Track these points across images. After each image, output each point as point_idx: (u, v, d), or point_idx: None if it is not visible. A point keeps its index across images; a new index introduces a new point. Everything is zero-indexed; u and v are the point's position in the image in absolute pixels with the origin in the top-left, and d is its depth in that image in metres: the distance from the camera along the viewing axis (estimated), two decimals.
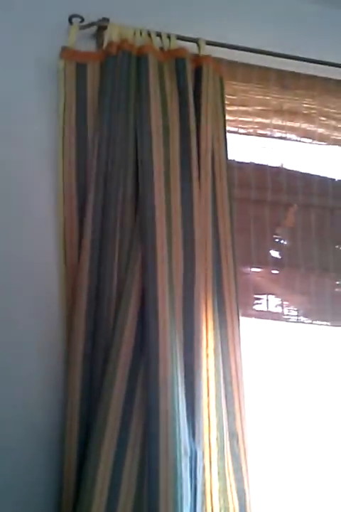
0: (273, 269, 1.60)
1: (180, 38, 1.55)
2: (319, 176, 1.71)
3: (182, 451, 1.20)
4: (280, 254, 1.62)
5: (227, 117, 1.57)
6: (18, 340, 1.35)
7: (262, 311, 1.58)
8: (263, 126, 1.69)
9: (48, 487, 1.30)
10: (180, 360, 1.27)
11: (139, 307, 1.29)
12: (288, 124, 1.72)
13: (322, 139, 1.75)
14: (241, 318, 1.42)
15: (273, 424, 1.57)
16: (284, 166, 1.68)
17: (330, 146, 1.76)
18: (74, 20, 1.48)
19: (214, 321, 1.36)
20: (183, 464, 1.19)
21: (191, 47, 1.54)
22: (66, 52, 1.45)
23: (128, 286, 1.29)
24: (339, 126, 1.77)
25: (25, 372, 1.34)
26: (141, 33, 1.51)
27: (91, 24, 1.49)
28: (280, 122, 1.71)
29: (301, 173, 1.69)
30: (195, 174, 1.41)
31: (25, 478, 1.30)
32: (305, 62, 1.70)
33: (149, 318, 1.25)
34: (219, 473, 1.27)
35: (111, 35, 1.47)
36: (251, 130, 1.67)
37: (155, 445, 1.17)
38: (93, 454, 1.17)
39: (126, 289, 1.29)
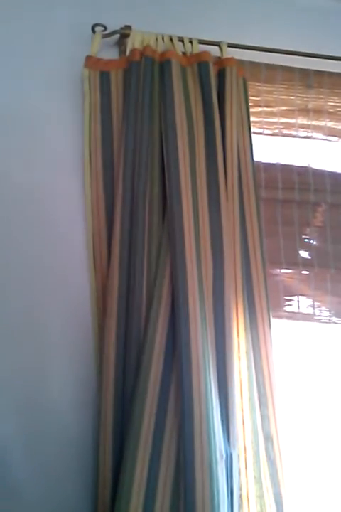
0: (303, 270, 1.58)
1: (202, 41, 1.55)
2: None
3: (218, 455, 1.19)
4: (309, 254, 1.59)
5: (252, 119, 1.57)
6: (50, 347, 1.37)
7: (293, 312, 1.56)
8: (289, 126, 1.68)
9: (82, 494, 1.31)
10: (212, 363, 1.26)
11: (169, 311, 1.29)
12: (314, 123, 1.70)
13: None
14: (272, 319, 1.40)
15: (307, 426, 1.54)
16: (311, 166, 1.66)
17: None
18: (97, 29, 1.50)
19: (245, 323, 1.35)
20: (219, 468, 1.18)
21: (213, 50, 1.54)
22: (90, 61, 1.47)
23: (158, 291, 1.29)
24: None
25: (58, 377, 1.36)
26: (163, 39, 1.52)
27: (113, 32, 1.51)
28: (305, 121, 1.69)
29: (328, 171, 1.67)
30: (221, 176, 1.41)
31: (59, 484, 1.31)
32: (328, 60, 1.68)
33: (180, 322, 1.24)
34: (255, 477, 1.26)
35: (134, 42, 1.48)
36: (276, 130, 1.66)
37: (191, 449, 1.16)
38: (128, 460, 1.17)
39: (156, 294, 1.29)
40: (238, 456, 1.25)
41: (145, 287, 1.30)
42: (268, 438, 1.31)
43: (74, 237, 1.43)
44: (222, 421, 1.25)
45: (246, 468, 1.26)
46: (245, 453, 1.27)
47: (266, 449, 1.30)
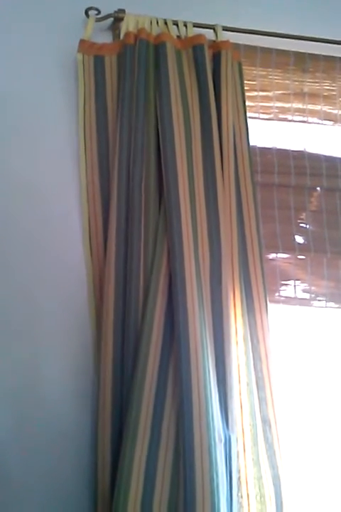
0: (300, 255, 1.58)
1: (196, 25, 1.54)
2: None
3: (217, 439, 1.19)
4: (305, 239, 1.59)
5: (247, 103, 1.56)
6: (47, 338, 1.37)
7: (289, 297, 1.56)
8: (284, 110, 1.67)
9: (81, 484, 1.31)
10: (210, 348, 1.26)
11: (167, 298, 1.29)
12: (309, 107, 1.70)
13: None
14: (268, 304, 1.40)
15: (304, 410, 1.55)
16: (306, 150, 1.66)
17: None
18: (90, 12, 1.48)
19: (242, 308, 1.35)
20: (218, 451, 1.19)
21: (208, 34, 1.53)
22: (83, 45, 1.45)
23: (155, 278, 1.29)
24: None
25: (55, 367, 1.36)
26: (157, 22, 1.51)
27: (107, 16, 1.49)
28: (300, 105, 1.69)
29: (324, 155, 1.67)
30: (217, 161, 1.40)
31: (57, 476, 1.31)
32: (323, 44, 1.67)
33: (178, 308, 1.24)
34: (253, 459, 1.27)
35: (128, 25, 1.47)
36: (271, 115, 1.66)
37: (190, 433, 1.16)
38: (128, 445, 1.17)
39: (153, 280, 1.28)
40: (236, 439, 1.26)
41: (143, 274, 1.30)
42: (265, 421, 1.32)
43: (70, 224, 1.42)
44: (221, 405, 1.25)
45: (244, 451, 1.27)
46: (243, 436, 1.28)
47: (264, 432, 1.31)
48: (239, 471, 1.26)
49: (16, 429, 1.31)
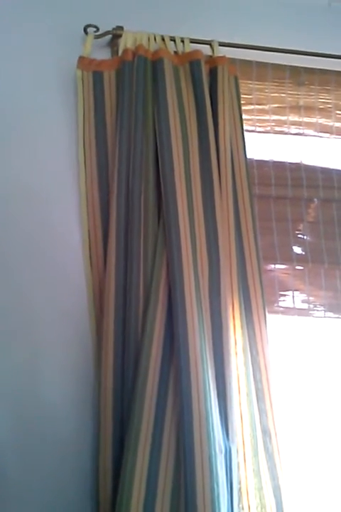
0: (298, 265, 1.60)
1: (193, 41, 1.56)
2: (338, 170, 1.70)
3: (217, 450, 1.20)
4: (303, 250, 1.61)
5: (244, 116, 1.58)
6: (47, 347, 1.37)
7: (288, 307, 1.57)
8: (280, 123, 1.69)
9: (82, 491, 1.31)
10: (209, 360, 1.27)
11: (167, 309, 1.30)
12: (305, 119, 1.72)
13: (339, 132, 1.74)
14: (267, 315, 1.41)
15: (304, 420, 1.55)
16: (303, 162, 1.68)
17: None
18: (89, 30, 1.50)
19: (241, 319, 1.36)
20: (219, 462, 1.19)
21: (205, 49, 1.55)
22: (82, 62, 1.47)
23: (154, 290, 1.30)
24: None
25: (55, 377, 1.36)
26: (155, 39, 1.53)
27: (106, 33, 1.51)
28: (297, 118, 1.71)
29: (320, 167, 1.69)
30: (215, 175, 1.42)
31: (58, 483, 1.31)
32: (318, 58, 1.69)
33: (177, 319, 1.25)
34: (254, 470, 1.27)
35: (126, 42, 1.49)
36: (268, 128, 1.68)
37: (190, 444, 1.17)
38: (129, 454, 1.18)
39: (152, 292, 1.29)
40: (237, 450, 1.26)
41: (142, 286, 1.31)
42: (266, 432, 1.32)
43: (70, 237, 1.43)
44: (221, 416, 1.26)
45: (245, 461, 1.27)
46: (244, 447, 1.28)
47: (264, 442, 1.32)
48: (239, 482, 1.26)
49: (16, 436, 1.31)
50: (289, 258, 1.59)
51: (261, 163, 1.64)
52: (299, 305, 1.58)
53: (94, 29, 1.51)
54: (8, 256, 1.39)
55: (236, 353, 1.33)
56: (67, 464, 1.32)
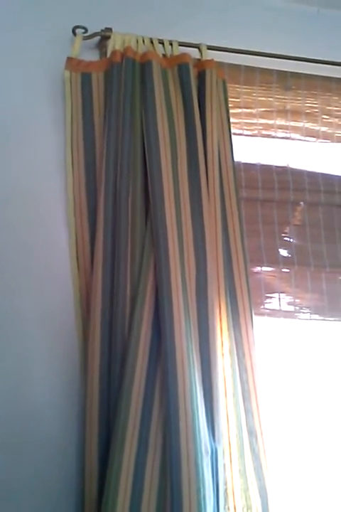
0: (284, 268, 1.61)
1: (182, 44, 1.57)
2: (324, 174, 1.72)
3: (203, 451, 1.20)
4: (289, 252, 1.62)
5: (232, 120, 1.58)
6: (33, 350, 1.37)
7: (274, 309, 1.58)
8: (268, 127, 1.71)
9: (67, 489, 1.31)
10: (196, 361, 1.27)
11: (154, 311, 1.30)
12: (292, 123, 1.74)
13: (325, 137, 1.77)
14: (254, 317, 1.42)
15: (289, 421, 1.56)
16: (290, 165, 1.69)
17: (334, 143, 1.77)
18: (77, 31, 1.50)
19: (228, 321, 1.36)
20: (205, 463, 1.19)
21: (193, 52, 1.56)
22: (71, 63, 1.47)
23: (141, 292, 1.30)
24: None
25: (40, 379, 1.36)
26: (143, 41, 1.54)
27: (94, 34, 1.51)
28: (283, 122, 1.73)
29: (307, 171, 1.71)
30: (202, 177, 1.42)
31: (42, 480, 1.31)
32: (305, 63, 1.71)
33: (164, 321, 1.25)
34: (240, 471, 1.27)
35: (115, 43, 1.50)
36: (255, 131, 1.69)
37: (177, 446, 1.17)
38: (115, 454, 1.17)
39: (139, 294, 1.29)
40: (223, 451, 1.27)
41: (129, 288, 1.31)
42: (252, 433, 1.33)
43: (57, 237, 1.43)
44: (207, 417, 1.26)
45: (231, 462, 1.27)
46: (230, 448, 1.28)
47: (251, 443, 1.32)
48: (225, 483, 1.26)
49: (1, 436, 1.30)
50: (275, 261, 1.60)
51: (249, 167, 1.65)
52: (285, 307, 1.59)
53: (83, 30, 1.51)
54: None
55: (223, 355, 1.34)
56: (52, 464, 1.31)
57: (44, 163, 1.47)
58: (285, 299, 1.60)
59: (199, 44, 1.58)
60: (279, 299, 1.59)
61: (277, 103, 1.73)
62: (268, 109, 1.71)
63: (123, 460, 1.17)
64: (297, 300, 1.61)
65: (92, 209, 1.40)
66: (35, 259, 1.41)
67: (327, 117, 1.77)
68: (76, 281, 1.39)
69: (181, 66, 1.50)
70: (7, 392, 1.32)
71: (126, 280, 1.31)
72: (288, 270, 1.62)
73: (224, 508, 1.24)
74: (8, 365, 1.34)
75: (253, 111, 1.70)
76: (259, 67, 1.71)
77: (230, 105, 1.60)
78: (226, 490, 1.26)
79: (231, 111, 1.60)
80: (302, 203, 1.68)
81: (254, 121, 1.69)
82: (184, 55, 1.52)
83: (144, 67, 1.46)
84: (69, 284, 1.40)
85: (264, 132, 1.70)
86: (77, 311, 1.38)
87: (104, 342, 1.28)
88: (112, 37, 1.51)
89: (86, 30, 1.51)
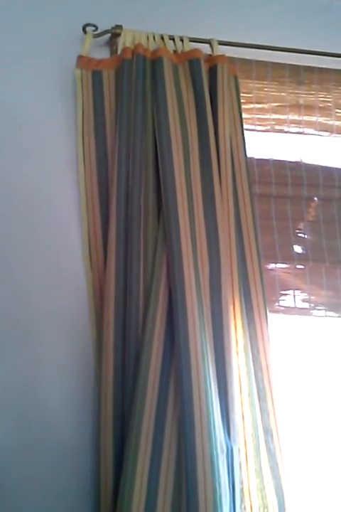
0: (298, 264, 1.59)
1: (192, 39, 1.56)
2: (339, 169, 1.70)
3: (219, 449, 1.19)
4: (304, 248, 1.60)
5: (244, 115, 1.57)
6: (47, 352, 1.36)
7: (289, 306, 1.56)
8: (280, 122, 1.69)
9: (82, 492, 1.30)
10: (211, 359, 1.26)
11: (167, 310, 1.29)
12: (305, 118, 1.72)
13: (339, 131, 1.74)
14: (268, 314, 1.40)
15: (306, 419, 1.55)
16: (303, 161, 1.67)
17: None
18: (88, 29, 1.50)
19: (242, 319, 1.35)
20: (220, 462, 1.18)
21: (204, 48, 1.55)
22: (81, 61, 1.47)
23: (155, 290, 1.29)
24: None
25: (54, 379, 1.35)
26: (154, 38, 1.53)
27: (105, 32, 1.51)
28: (296, 117, 1.71)
29: (321, 166, 1.69)
30: (215, 174, 1.41)
31: (57, 484, 1.30)
32: (318, 56, 1.69)
33: (178, 320, 1.24)
34: (256, 470, 1.26)
35: (125, 41, 1.49)
36: (268, 127, 1.67)
37: (192, 444, 1.16)
38: (130, 457, 1.17)
39: (153, 292, 1.29)
40: (238, 449, 1.26)
41: (143, 287, 1.30)
42: (267, 431, 1.32)
43: (69, 237, 1.43)
44: (222, 415, 1.25)
45: (246, 461, 1.26)
46: (245, 447, 1.27)
47: (266, 442, 1.31)
48: (241, 482, 1.25)
49: (15, 439, 1.30)
50: (290, 257, 1.58)
51: (262, 162, 1.63)
52: (300, 304, 1.57)
53: (93, 28, 1.50)
54: (6, 256, 1.39)
55: (238, 353, 1.33)
56: (67, 467, 1.31)
57: (55, 161, 1.47)
58: (300, 295, 1.58)
59: (211, 39, 1.57)
60: (294, 296, 1.57)
61: (290, 98, 1.71)
62: (280, 104, 1.69)
63: (138, 460, 1.17)
64: (312, 297, 1.59)
65: (105, 207, 1.40)
66: (47, 259, 1.41)
67: (340, 111, 1.75)
68: (89, 280, 1.39)
69: (192, 62, 1.49)
70: (21, 393, 1.32)
71: (139, 278, 1.30)
72: (302, 267, 1.60)
73: (241, 508, 1.23)
74: (21, 366, 1.34)
75: (266, 106, 1.68)
76: (271, 62, 1.69)
77: (242, 101, 1.59)
78: (242, 489, 1.25)
79: (243, 106, 1.59)
80: (316, 198, 1.66)
81: (267, 116, 1.68)
82: (195, 50, 1.50)
83: (155, 63, 1.45)
84: (82, 283, 1.39)
85: (277, 127, 1.68)
86: (91, 310, 1.37)
87: (118, 341, 1.27)
88: (122, 34, 1.50)
89: (96, 28, 1.51)
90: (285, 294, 1.57)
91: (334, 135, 1.73)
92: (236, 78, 1.58)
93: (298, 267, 1.59)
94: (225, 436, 1.24)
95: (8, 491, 1.28)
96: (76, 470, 1.31)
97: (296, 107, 1.71)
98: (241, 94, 1.59)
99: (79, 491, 1.30)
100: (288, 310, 1.57)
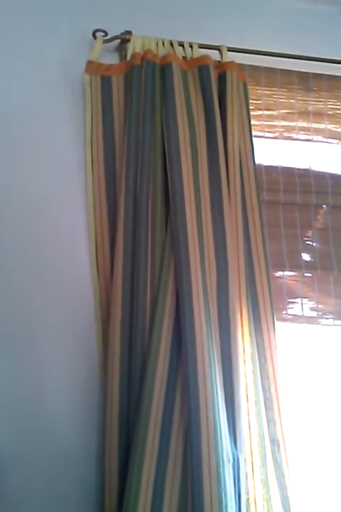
0: (306, 272, 1.58)
1: (202, 46, 1.56)
2: None
3: (225, 459, 1.18)
4: (312, 256, 1.59)
5: (253, 122, 1.57)
6: (53, 356, 1.36)
7: (297, 315, 1.55)
8: (289, 129, 1.68)
9: (87, 500, 1.29)
10: (217, 367, 1.25)
11: (174, 317, 1.29)
12: (314, 125, 1.71)
13: None
14: (276, 322, 1.39)
15: (313, 430, 1.53)
16: (312, 168, 1.66)
17: None
18: (97, 34, 1.50)
19: (249, 327, 1.34)
20: (227, 472, 1.17)
21: (214, 54, 1.54)
22: (91, 66, 1.47)
23: (162, 297, 1.28)
24: None
25: (60, 385, 1.35)
26: (163, 44, 1.53)
27: (114, 37, 1.51)
28: (305, 124, 1.70)
29: (329, 173, 1.68)
30: (223, 180, 1.41)
31: (61, 492, 1.30)
32: (327, 63, 1.69)
33: (185, 327, 1.23)
34: (262, 480, 1.25)
35: (135, 46, 1.49)
36: (277, 133, 1.67)
37: (198, 453, 1.15)
38: (135, 465, 1.16)
39: (160, 299, 1.28)
40: (245, 459, 1.25)
41: (150, 293, 1.30)
42: (274, 441, 1.30)
43: (76, 242, 1.42)
44: (229, 424, 1.24)
45: (253, 471, 1.25)
46: (252, 456, 1.26)
47: (273, 452, 1.30)
48: (247, 493, 1.24)
49: (19, 446, 1.30)
50: (298, 265, 1.57)
51: (270, 169, 1.63)
52: (308, 313, 1.56)
53: (103, 34, 1.51)
54: (13, 261, 1.38)
55: (245, 361, 1.32)
56: (71, 475, 1.30)
57: (64, 166, 1.47)
58: (308, 304, 1.57)
59: (220, 46, 1.57)
60: (302, 304, 1.56)
61: (298, 105, 1.70)
62: (289, 111, 1.69)
63: (143, 468, 1.16)
64: (320, 305, 1.58)
65: (112, 212, 1.40)
66: (54, 264, 1.41)
67: None
68: (96, 285, 1.38)
69: (201, 68, 1.49)
70: (25, 401, 1.32)
71: (146, 284, 1.29)
72: (310, 275, 1.59)
73: None
74: (26, 373, 1.33)
75: (275, 113, 1.67)
76: (280, 69, 1.69)
77: (251, 107, 1.59)
78: (248, 499, 1.24)
79: (252, 113, 1.59)
80: (324, 206, 1.65)
81: (275, 123, 1.67)
82: (204, 57, 1.50)
83: (164, 69, 1.45)
84: (89, 288, 1.39)
85: (286, 134, 1.68)
86: (97, 317, 1.37)
87: (124, 348, 1.27)
88: (132, 40, 1.50)
89: (106, 34, 1.51)
90: (293, 302, 1.56)
91: None
92: (245, 85, 1.57)
93: (306, 274, 1.58)
94: (232, 445, 1.23)
95: (11, 498, 1.27)
96: (80, 478, 1.30)
97: (305, 114, 1.71)
98: (250, 101, 1.59)
99: (83, 500, 1.29)
100: (296, 318, 1.55)
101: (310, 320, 1.56)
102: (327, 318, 1.57)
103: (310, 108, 1.71)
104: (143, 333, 1.26)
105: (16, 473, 1.28)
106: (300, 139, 1.69)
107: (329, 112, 1.73)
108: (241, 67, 1.60)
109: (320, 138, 1.71)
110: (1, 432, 1.30)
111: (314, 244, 1.61)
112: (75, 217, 1.44)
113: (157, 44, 1.51)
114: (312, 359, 1.58)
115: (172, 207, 1.34)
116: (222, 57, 1.56)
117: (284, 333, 1.50)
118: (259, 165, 1.58)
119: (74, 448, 1.32)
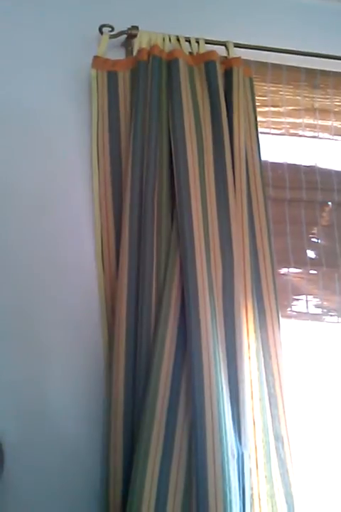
0: (311, 270, 1.58)
1: (208, 41, 1.56)
2: None
3: (230, 454, 1.18)
4: (317, 253, 1.59)
5: (259, 118, 1.57)
6: (56, 357, 1.36)
7: (301, 312, 1.55)
8: (295, 125, 1.68)
9: (91, 500, 1.30)
10: (222, 363, 1.25)
11: (179, 313, 1.29)
12: (320, 122, 1.71)
13: None
14: (280, 319, 1.39)
15: (317, 426, 1.53)
16: (318, 165, 1.66)
17: None
18: (104, 29, 1.50)
19: (254, 323, 1.34)
20: (231, 467, 1.17)
21: (220, 50, 1.54)
22: (97, 61, 1.47)
23: (167, 293, 1.28)
24: None
25: (65, 385, 1.35)
26: (170, 39, 1.52)
27: (121, 33, 1.51)
28: (311, 121, 1.70)
29: (335, 171, 1.68)
30: (229, 176, 1.40)
31: (67, 493, 1.30)
32: (334, 60, 1.68)
33: (190, 323, 1.23)
34: (266, 476, 1.25)
35: (141, 42, 1.49)
36: (283, 130, 1.67)
37: (203, 449, 1.15)
38: (140, 462, 1.16)
39: (165, 295, 1.28)
40: (249, 455, 1.25)
41: (155, 289, 1.30)
42: (278, 438, 1.31)
43: (82, 239, 1.43)
44: (233, 420, 1.24)
45: (257, 467, 1.25)
46: (256, 453, 1.26)
47: (277, 448, 1.30)
48: (251, 488, 1.24)
49: (24, 445, 1.30)
50: (303, 262, 1.57)
51: (276, 166, 1.62)
52: (312, 310, 1.56)
53: (109, 29, 1.50)
54: (19, 257, 1.39)
55: (249, 357, 1.32)
56: (75, 469, 1.31)
57: (70, 160, 1.47)
58: (313, 301, 1.57)
59: (226, 41, 1.56)
60: (306, 301, 1.56)
61: (305, 101, 1.70)
62: (295, 108, 1.69)
63: (148, 464, 1.16)
64: (325, 302, 1.58)
65: (118, 207, 1.40)
66: (59, 261, 1.41)
67: None
68: (101, 283, 1.38)
69: (208, 64, 1.48)
70: (30, 396, 1.32)
71: (151, 281, 1.29)
72: (315, 272, 1.59)
73: None
74: (31, 368, 1.34)
75: (281, 109, 1.67)
76: (286, 65, 1.68)
77: (257, 103, 1.59)
78: (252, 495, 1.24)
79: (258, 109, 1.59)
80: (330, 203, 1.65)
81: (282, 119, 1.67)
82: (211, 52, 1.50)
83: (171, 65, 1.44)
84: (94, 286, 1.39)
85: (292, 131, 1.67)
86: (103, 311, 1.37)
87: (129, 343, 1.27)
88: (138, 35, 1.50)
89: (112, 29, 1.51)
90: (298, 299, 1.56)
91: None
92: (251, 81, 1.57)
93: (311, 272, 1.58)
94: (236, 441, 1.23)
95: (16, 488, 1.28)
96: (85, 473, 1.31)
97: (311, 111, 1.70)
98: (256, 97, 1.58)
99: (87, 494, 1.30)
100: (301, 315, 1.55)
101: (314, 317, 1.56)
102: (331, 316, 1.57)
103: (317, 105, 1.71)
104: (148, 328, 1.26)
105: (21, 465, 1.29)
106: (306, 136, 1.68)
107: (336, 109, 1.73)
108: (248, 63, 1.60)
109: (326, 135, 1.71)
110: (7, 425, 1.30)
111: (319, 241, 1.61)
112: (81, 213, 1.44)
113: (163, 39, 1.51)
114: (317, 356, 1.58)
115: (177, 201, 1.34)
116: (228, 53, 1.56)
117: (289, 330, 1.50)
118: (265, 161, 1.58)
119: (79, 442, 1.32)
